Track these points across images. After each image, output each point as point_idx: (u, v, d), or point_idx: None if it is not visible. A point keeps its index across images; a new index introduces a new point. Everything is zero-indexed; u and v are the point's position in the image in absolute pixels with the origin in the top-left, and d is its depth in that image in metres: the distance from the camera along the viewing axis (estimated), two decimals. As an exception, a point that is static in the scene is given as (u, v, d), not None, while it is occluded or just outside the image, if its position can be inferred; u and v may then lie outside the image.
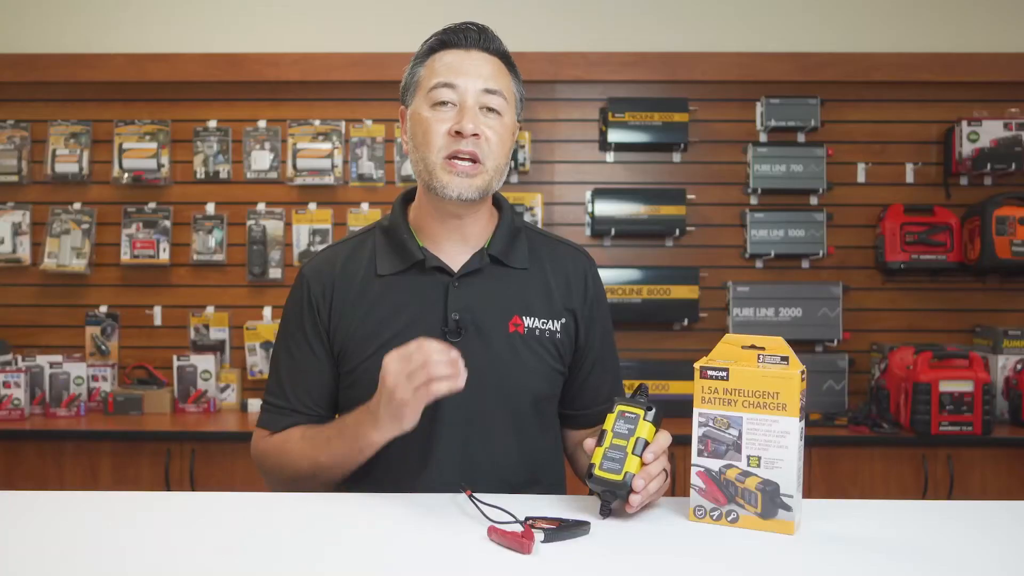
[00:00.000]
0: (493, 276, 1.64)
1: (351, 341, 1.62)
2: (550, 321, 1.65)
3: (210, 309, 3.81)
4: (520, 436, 1.63)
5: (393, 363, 1.41)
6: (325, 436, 1.56)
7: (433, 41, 1.62)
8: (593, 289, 1.72)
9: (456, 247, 1.64)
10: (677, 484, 2.67)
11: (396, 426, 1.44)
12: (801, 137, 3.82)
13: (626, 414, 1.40)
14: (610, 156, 3.83)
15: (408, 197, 1.72)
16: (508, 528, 1.29)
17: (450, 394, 1.42)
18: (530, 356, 1.62)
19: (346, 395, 1.65)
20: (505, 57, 1.64)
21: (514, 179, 3.79)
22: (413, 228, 1.66)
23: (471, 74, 1.57)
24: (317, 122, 3.77)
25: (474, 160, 1.56)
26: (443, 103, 1.57)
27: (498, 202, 1.72)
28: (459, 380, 1.39)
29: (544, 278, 1.67)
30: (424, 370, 1.37)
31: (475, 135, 1.55)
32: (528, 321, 1.62)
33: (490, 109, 1.58)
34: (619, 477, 1.36)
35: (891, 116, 3.82)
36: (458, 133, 1.54)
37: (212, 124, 3.81)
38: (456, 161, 1.55)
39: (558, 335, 1.65)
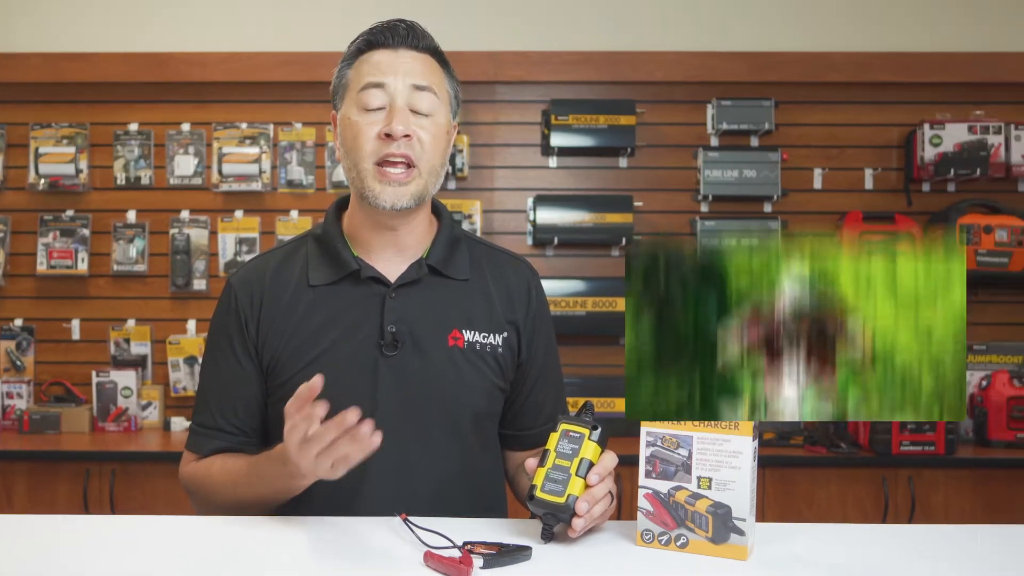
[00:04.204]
0: (432, 287, 1.62)
1: (281, 355, 1.59)
2: (491, 335, 1.63)
3: (131, 322, 3.72)
4: (459, 456, 1.61)
5: (295, 451, 1.35)
6: (245, 478, 1.53)
7: (360, 41, 1.61)
8: (536, 301, 1.70)
9: (393, 257, 1.62)
10: (624, 507, 2.78)
11: (320, 476, 1.39)
12: (754, 141, 3.76)
13: (570, 433, 1.39)
14: (553, 161, 3.77)
15: (342, 204, 1.69)
16: (445, 554, 1.28)
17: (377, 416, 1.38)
18: (470, 371, 1.60)
19: (275, 410, 1.58)
20: (437, 54, 1.62)
21: (452, 185, 3.73)
22: (347, 237, 1.64)
23: (400, 72, 1.55)
24: (244, 125, 3.71)
25: (408, 164, 1.54)
26: (372, 106, 1.55)
27: (437, 210, 1.70)
28: (372, 441, 1.31)
29: (485, 290, 1.66)
30: (331, 456, 1.33)
31: (406, 136, 1.52)
32: (468, 335, 1.61)
33: (421, 110, 1.56)
34: (561, 500, 1.34)
35: (849, 119, 3.76)
36: (388, 136, 1.52)
37: (133, 127, 3.73)
38: (387, 169, 1.53)
39: (499, 350, 1.63)
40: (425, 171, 1.56)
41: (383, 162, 1.53)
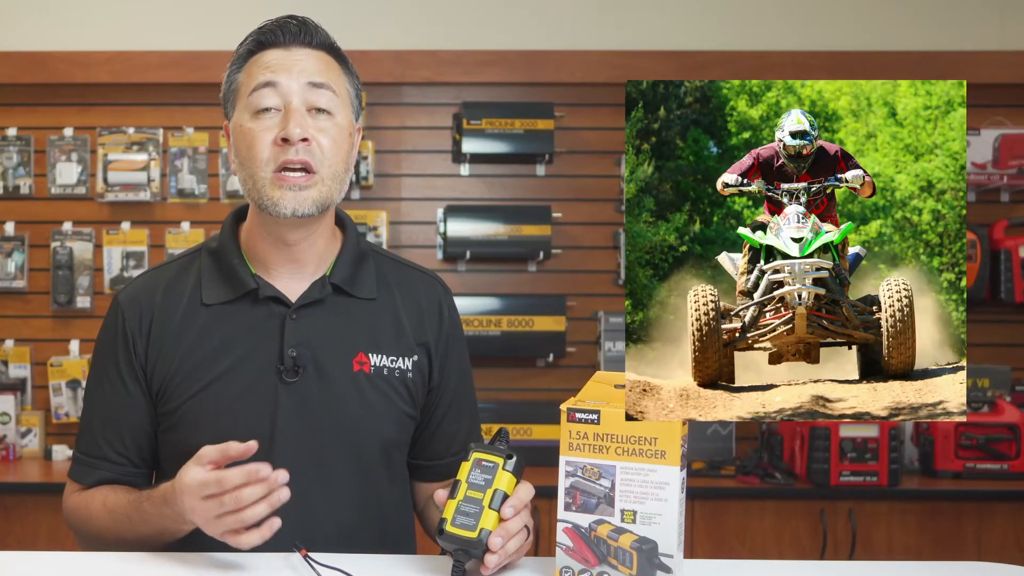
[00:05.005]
0: (336, 307, 1.59)
1: (172, 379, 1.56)
2: (400, 358, 1.60)
3: (9, 343, 3.60)
4: (365, 488, 1.59)
5: (195, 499, 1.34)
6: (126, 516, 1.50)
7: (249, 42, 1.57)
8: (449, 321, 1.68)
9: (293, 274, 1.59)
10: (541, 542, 2.77)
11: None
12: (684, 145, 3.70)
13: (483, 463, 1.36)
14: (465, 168, 3.70)
15: (240, 215, 1.66)
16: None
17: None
18: (377, 398, 1.57)
19: (166, 439, 1.59)
20: (333, 50, 1.59)
21: (356, 195, 3.63)
22: (245, 252, 1.61)
23: (293, 71, 1.52)
24: (131, 130, 3.62)
25: (307, 170, 1.51)
26: (266, 109, 1.51)
27: (342, 222, 1.67)
28: (280, 495, 1.32)
29: (394, 309, 1.63)
30: (236, 516, 1.31)
31: (304, 140, 1.49)
32: (375, 358, 1.58)
33: (319, 110, 1.53)
34: (473, 534, 1.31)
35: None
36: (285, 140, 1.49)
37: (11, 132, 3.63)
38: (286, 173, 1.50)
39: (409, 374, 1.60)
40: (327, 176, 1.52)
41: (281, 168, 1.50)
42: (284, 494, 1.30)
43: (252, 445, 1.32)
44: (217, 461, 1.32)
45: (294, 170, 1.50)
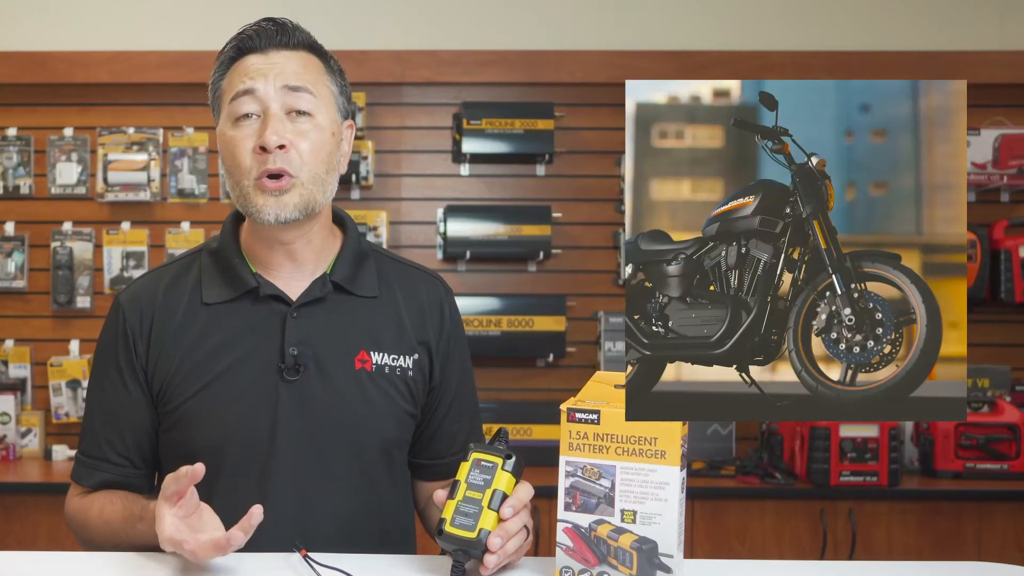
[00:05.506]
0: (337, 305, 1.58)
1: (173, 378, 1.55)
2: (401, 357, 1.59)
3: (9, 343, 3.59)
4: (366, 487, 1.58)
5: (174, 548, 1.32)
6: (122, 529, 1.50)
7: (229, 48, 1.57)
8: (450, 321, 1.68)
9: (293, 273, 1.58)
10: (541, 542, 2.77)
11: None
12: (683, 146, 3.58)
13: (482, 463, 1.35)
14: (465, 168, 3.67)
15: (240, 216, 1.64)
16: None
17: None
18: (379, 396, 1.56)
19: (167, 439, 1.59)
20: (314, 49, 1.58)
21: (355, 195, 3.61)
22: (245, 251, 1.60)
23: (270, 76, 1.52)
24: (131, 130, 3.60)
25: (285, 175, 1.50)
26: (246, 116, 1.51)
27: (342, 221, 1.66)
28: (252, 520, 1.29)
29: (395, 307, 1.62)
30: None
31: (281, 147, 1.48)
32: (376, 356, 1.57)
33: (299, 112, 1.51)
34: (473, 535, 1.31)
35: (787, 122, 3.63)
36: (263, 149, 1.48)
37: (11, 132, 3.61)
38: (266, 180, 1.49)
39: (410, 373, 1.60)
40: (307, 180, 1.50)
41: (262, 176, 1.49)
42: (256, 518, 1.28)
43: (199, 467, 1.29)
44: (180, 491, 1.30)
45: (273, 177, 1.50)
